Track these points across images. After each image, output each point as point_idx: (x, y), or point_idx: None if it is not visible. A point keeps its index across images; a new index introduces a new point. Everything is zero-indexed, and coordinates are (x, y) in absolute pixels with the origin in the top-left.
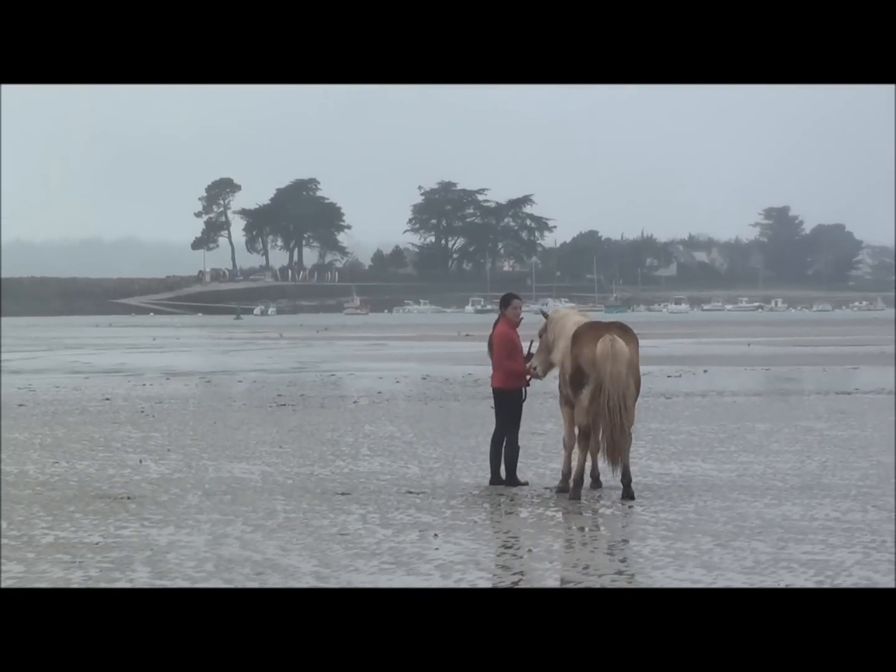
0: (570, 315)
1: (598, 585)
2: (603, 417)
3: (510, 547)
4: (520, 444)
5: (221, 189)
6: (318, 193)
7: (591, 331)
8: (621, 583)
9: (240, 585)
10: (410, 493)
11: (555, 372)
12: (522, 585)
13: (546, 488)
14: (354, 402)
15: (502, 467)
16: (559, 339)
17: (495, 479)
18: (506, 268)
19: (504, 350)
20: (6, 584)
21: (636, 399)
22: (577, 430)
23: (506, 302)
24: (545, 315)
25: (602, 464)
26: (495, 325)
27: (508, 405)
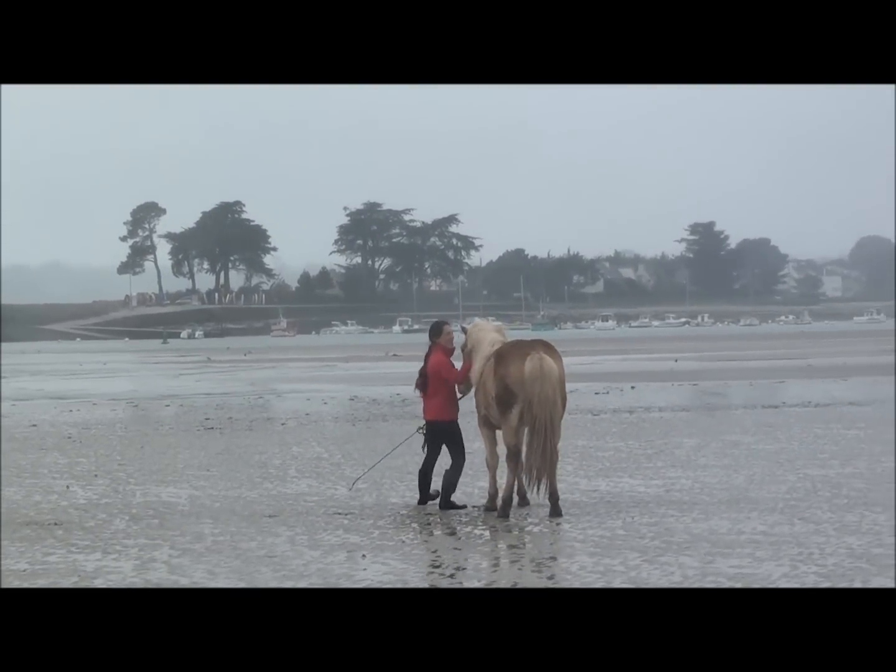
0: (486, 330)
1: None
2: (531, 438)
3: (438, 566)
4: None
5: (146, 213)
6: (244, 216)
7: (517, 350)
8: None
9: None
10: (338, 514)
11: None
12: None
13: (474, 507)
14: (282, 424)
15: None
16: (475, 353)
17: (424, 500)
18: (433, 287)
19: (440, 379)
20: None
21: (562, 417)
22: (505, 450)
23: (437, 330)
24: (464, 330)
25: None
26: (427, 356)
27: (452, 435)
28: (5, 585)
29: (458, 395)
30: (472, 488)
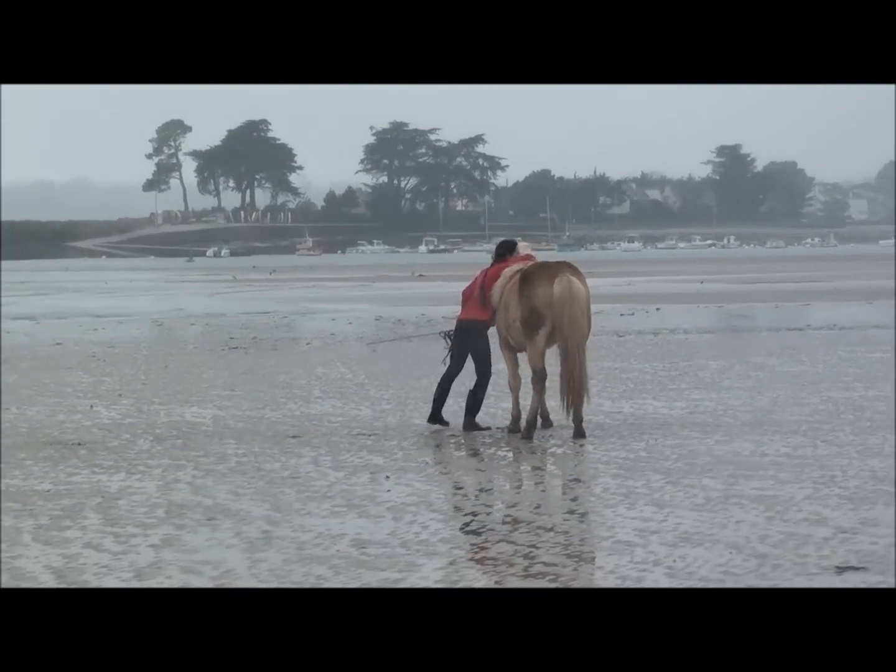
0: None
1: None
2: (564, 360)
3: (461, 488)
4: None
5: (172, 131)
6: (270, 134)
7: (544, 272)
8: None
9: (194, 532)
10: (362, 434)
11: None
12: (474, 525)
13: (498, 428)
14: (307, 345)
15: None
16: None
17: (436, 417)
18: (459, 207)
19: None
20: None
21: (588, 339)
22: (529, 371)
23: (511, 246)
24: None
25: (554, 403)
26: (488, 269)
27: (483, 342)
28: (8, 583)
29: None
30: (496, 409)
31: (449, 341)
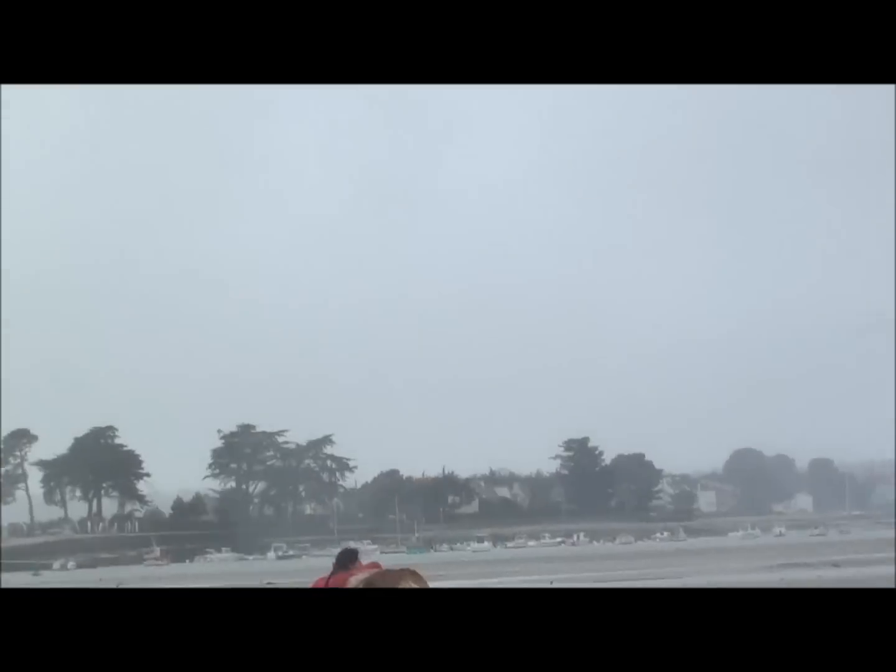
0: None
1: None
2: None
3: None
4: None
5: (18, 440)
6: (117, 441)
7: (387, 580)
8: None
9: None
10: None
11: None
12: None
13: None
14: None
15: None
16: None
17: None
18: (308, 511)
19: None
20: None
21: None
22: None
23: (352, 557)
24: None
25: None
26: (330, 577)
27: None
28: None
29: None
30: None
31: None
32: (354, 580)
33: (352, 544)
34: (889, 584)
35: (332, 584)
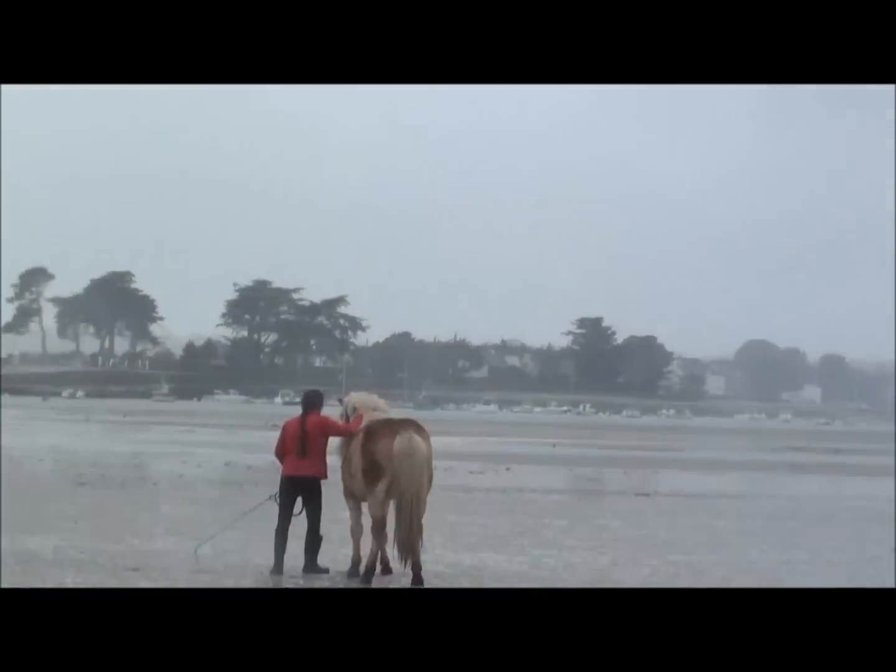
0: (364, 402)
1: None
2: (398, 512)
3: None
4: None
5: (34, 278)
6: (133, 286)
7: (387, 427)
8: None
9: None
10: (201, 571)
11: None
12: None
13: (338, 572)
14: (154, 484)
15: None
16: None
17: (279, 569)
18: (317, 363)
19: (323, 436)
20: None
21: (429, 493)
22: (370, 520)
23: (320, 399)
24: (341, 402)
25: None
26: (304, 419)
27: (319, 494)
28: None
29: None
30: (338, 554)
31: (278, 500)
32: (365, 418)
33: (353, 393)
34: (888, 486)
35: (309, 425)
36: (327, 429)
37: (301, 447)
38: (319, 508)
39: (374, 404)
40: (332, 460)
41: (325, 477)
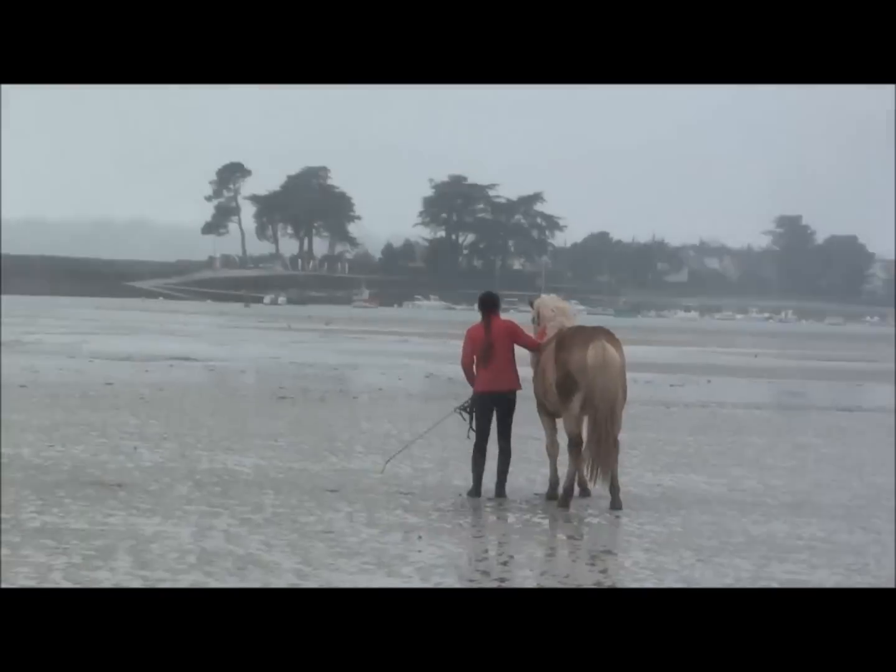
0: (551, 307)
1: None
2: (591, 429)
3: (492, 553)
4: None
5: (231, 173)
6: (329, 182)
7: (579, 336)
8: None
9: (222, 582)
10: (400, 493)
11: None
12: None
13: (535, 494)
14: (354, 398)
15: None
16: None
17: (478, 490)
18: (516, 266)
19: (510, 344)
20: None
21: (623, 407)
22: (566, 438)
23: (498, 301)
24: (531, 305)
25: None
26: (488, 326)
27: (513, 408)
28: (10, 586)
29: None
30: (536, 475)
31: (466, 415)
32: (551, 327)
33: (543, 296)
34: None
35: (495, 331)
36: (515, 336)
37: (488, 356)
38: (509, 428)
39: (562, 307)
40: (523, 371)
41: (520, 388)
